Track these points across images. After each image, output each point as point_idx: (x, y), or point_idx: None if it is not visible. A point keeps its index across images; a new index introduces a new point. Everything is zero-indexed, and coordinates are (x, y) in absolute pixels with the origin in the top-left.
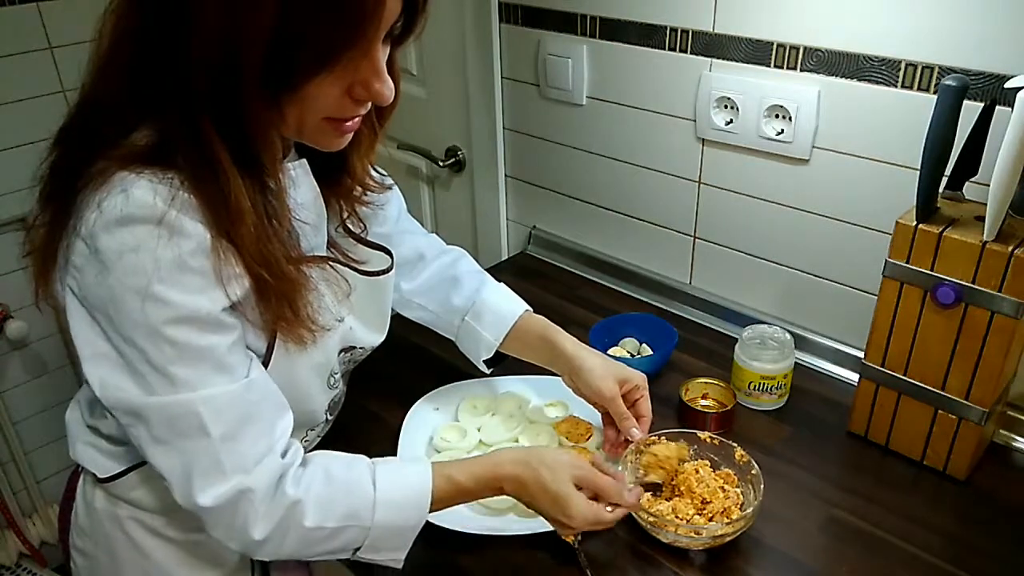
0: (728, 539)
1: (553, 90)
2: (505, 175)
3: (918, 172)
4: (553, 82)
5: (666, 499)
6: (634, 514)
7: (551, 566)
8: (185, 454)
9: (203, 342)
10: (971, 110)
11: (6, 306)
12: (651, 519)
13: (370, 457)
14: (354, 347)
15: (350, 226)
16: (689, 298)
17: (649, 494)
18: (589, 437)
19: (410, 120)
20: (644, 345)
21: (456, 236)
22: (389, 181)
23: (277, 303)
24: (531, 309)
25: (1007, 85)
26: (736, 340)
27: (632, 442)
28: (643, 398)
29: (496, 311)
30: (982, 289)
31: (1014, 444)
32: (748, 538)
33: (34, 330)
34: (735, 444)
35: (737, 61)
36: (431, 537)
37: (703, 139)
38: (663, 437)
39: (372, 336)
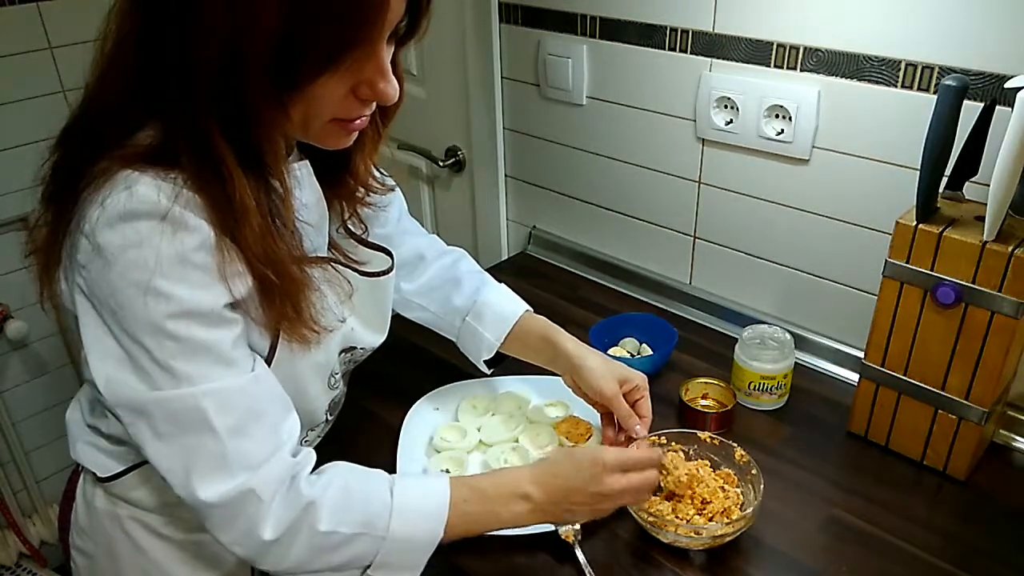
0: (728, 539)
1: (553, 90)
2: (505, 175)
3: (918, 172)
4: (553, 82)
5: (666, 499)
6: (634, 514)
7: (551, 566)
8: (187, 449)
9: (206, 336)
10: (971, 110)
11: (6, 306)
12: (651, 519)
13: (370, 457)
14: (355, 347)
15: (351, 227)
16: (689, 298)
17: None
18: (589, 437)
19: (410, 120)
20: (644, 345)
21: (456, 236)
22: (391, 182)
23: (280, 303)
24: (532, 309)
25: (1007, 85)
26: (736, 340)
27: (635, 440)
28: (643, 399)
29: (497, 311)
30: (982, 289)
31: (1014, 444)
32: (748, 538)
33: (34, 330)
34: (735, 444)
35: (737, 61)
36: None
37: (703, 139)
38: (675, 444)
39: (373, 337)
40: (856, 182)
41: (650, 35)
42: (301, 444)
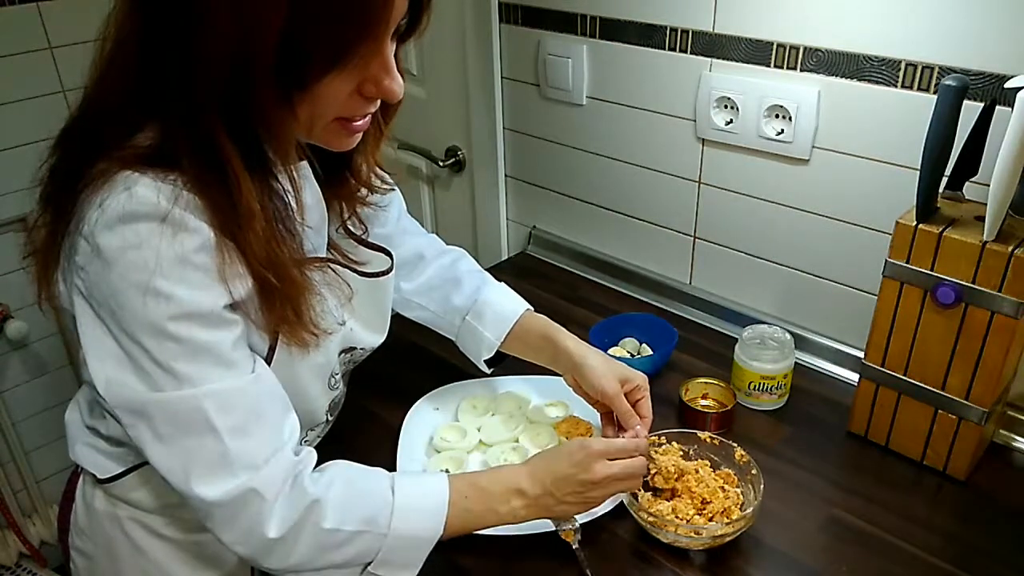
0: (728, 539)
1: (553, 90)
2: (505, 175)
3: (918, 172)
4: (553, 82)
5: (666, 499)
6: (634, 514)
7: (551, 566)
8: (188, 450)
9: (206, 337)
10: (971, 110)
11: (6, 306)
12: (651, 519)
13: (370, 457)
14: (354, 348)
15: (351, 227)
16: (689, 298)
17: (649, 494)
18: (589, 437)
19: (410, 120)
20: (644, 345)
21: (456, 236)
22: (392, 181)
23: (281, 306)
24: (532, 308)
25: (1007, 85)
26: (736, 340)
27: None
28: (644, 399)
29: (497, 310)
30: (982, 289)
31: (1014, 444)
32: (748, 538)
33: (34, 330)
34: (735, 444)
35: (737, 61)
36: None
37: (703, 139)
38: (675, 444)
39: (372, 337)
40: (856, 182)
41: (650, 35)
42: (301, 444)
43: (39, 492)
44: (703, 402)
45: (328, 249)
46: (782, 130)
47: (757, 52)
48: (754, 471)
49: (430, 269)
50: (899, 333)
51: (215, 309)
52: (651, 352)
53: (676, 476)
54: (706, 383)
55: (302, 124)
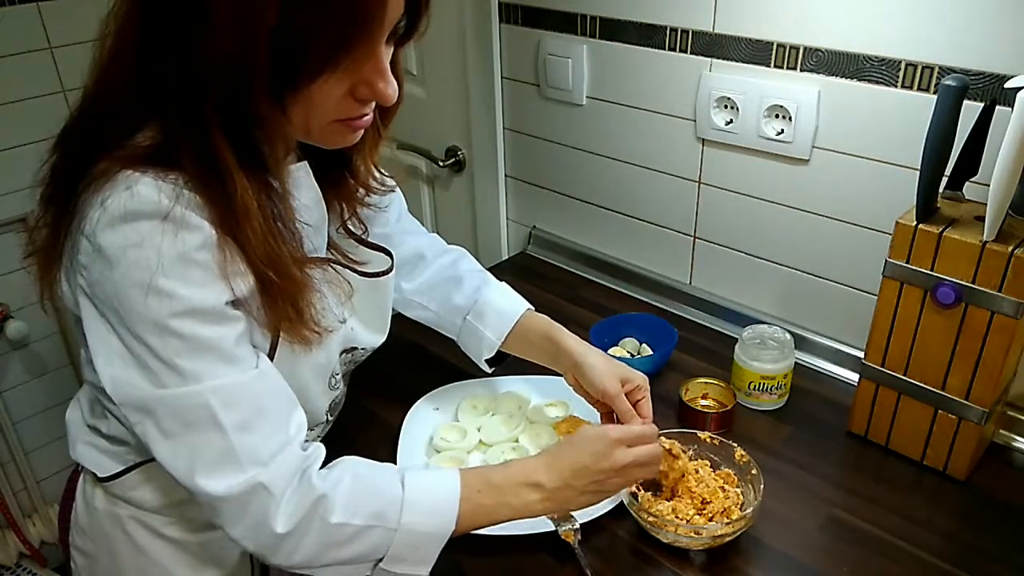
0: (728, 539)
1: (553, 90)
2: (505, 175)
3: (918, 172)
4: (553, 82)
5: (666, 499)
6: (634, 514)
7: (551, 566)
8: (194, 446)
9: (209, 334)
10: (971, 110)
11: (6, 306)
12: (651, 519)
13: (370, 457)
14: (355, 348)
15: (351, 227)
16: (689, 298)
17: (649, 494)
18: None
19: (410, 120)
20: (644, 345)
21: (456, 236)
22: (391, 182)
23: (282, 303)
24: (533, 308)
25: (1007, 85)
26: (736, 340)
27: None
28: (645, 399)
29: (498, 310)
30: (982, 289)
31: (1014, 444)
32: (748, 538)
33: (34, 330)
34: (735, 444)
35: (737, 61)
36: None
37: (703, 139)
38: (663, 437)
39: (373, 337)
40: (856, 182)
41: (650, 35)
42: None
43: (39, 492)
44: (703, 402)
45: (328, 249)
46: (782, 130)
47: (757, 52)
48: (754, 471)
49: (431, 269)
50: (899, 333)
51: (217, 306)
52: (651, 352)
53: (678, 476)
54: (706, 383)
55: (297, 126)
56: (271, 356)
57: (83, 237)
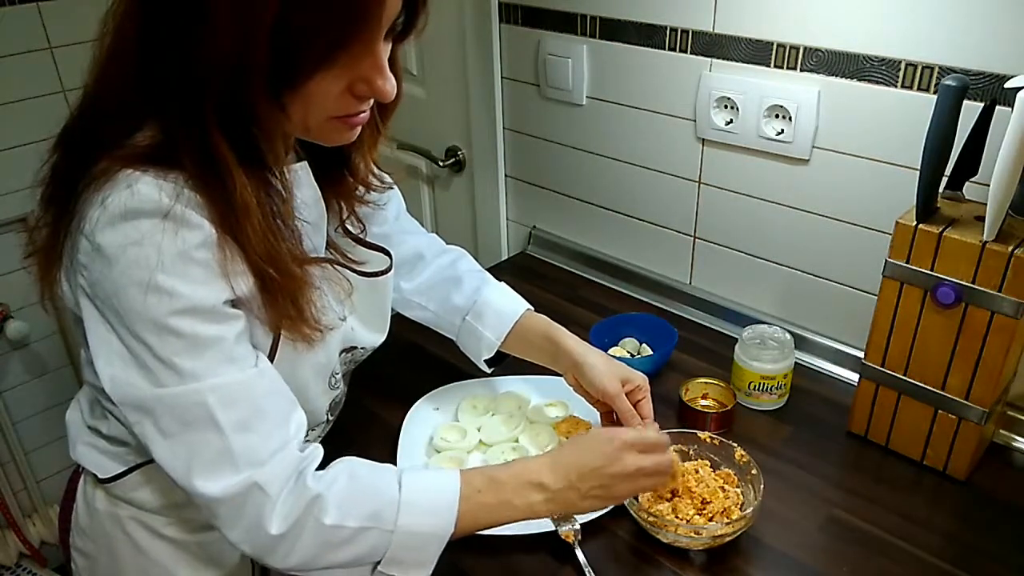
0: (728, 539)
1: (553, 90)
2: (505, 175)
3: (918, 172)
4: (553, 82)
5: (666, 499)
6: (634, 514)
7: (551, 566)
8: (192, 445)
9: (208, 332)
10: (971, 110)
11: (6, 306)
12: (651, 519)
13: (370, 457)
14: (355, 347)
15: (349, 226)
16: (689, 298)
17: (649, 494)
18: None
19: (410, 120)
20: (644, 345)
21: (456, 236)
22: (390, 180)
23: (282, 301)
24: (532, 308)
25: (1007, 85)
26: (736, 340)
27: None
28: (645, 399)
29: (497, 310)
30: (982, 289)
31: (1014, 444)
32: (748, 538)
33: (34, 330)
34: (735, 444)
35: (737, 61)
36: None
37: (703, 139)
38: (675, 444)
39: (373, 336)
40: (856, 182)
41: (650, 35)
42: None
43: (39, 492)
44: (703, 402)
45: (327, 248)
46: (782, 130)
47: (757, 52)
48: (754, 471)
49: (430, 268)
50: (899, 333)
51: (217, 304)
52: (651, 352)
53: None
54: (706, 383)
55: (296, 123)
56: (272, 355)
57: (83, 236)
